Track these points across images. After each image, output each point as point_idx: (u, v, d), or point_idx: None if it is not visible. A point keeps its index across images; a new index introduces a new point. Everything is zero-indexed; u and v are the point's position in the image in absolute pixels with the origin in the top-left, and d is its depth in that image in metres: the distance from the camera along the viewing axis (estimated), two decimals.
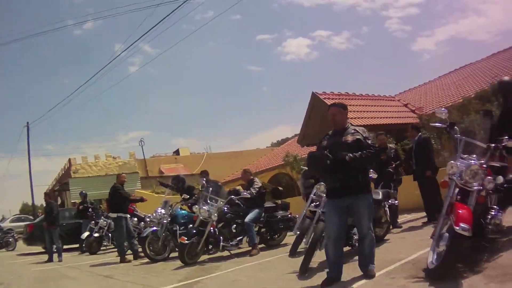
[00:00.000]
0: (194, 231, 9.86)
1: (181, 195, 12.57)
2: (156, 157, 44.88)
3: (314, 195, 8.48)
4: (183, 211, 12.13)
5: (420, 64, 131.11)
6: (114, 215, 12.45)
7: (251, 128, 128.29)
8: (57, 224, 14.72)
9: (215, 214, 9.95)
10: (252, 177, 11.50)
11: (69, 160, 36.10)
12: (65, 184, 32.95)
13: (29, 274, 12.08)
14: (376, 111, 20.28)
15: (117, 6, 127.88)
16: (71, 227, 18.33)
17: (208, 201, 10.15)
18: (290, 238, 10.75)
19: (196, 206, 10.39)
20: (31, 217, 37.21)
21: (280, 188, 13.00)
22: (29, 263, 14.78)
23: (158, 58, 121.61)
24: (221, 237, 10.07)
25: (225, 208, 10.49)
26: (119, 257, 12.43)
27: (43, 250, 17.56)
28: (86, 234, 16.32)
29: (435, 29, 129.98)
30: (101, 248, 16.29)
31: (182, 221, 11.66)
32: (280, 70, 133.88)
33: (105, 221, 16.02)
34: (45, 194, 16.17)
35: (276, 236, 11.56)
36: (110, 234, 15.91)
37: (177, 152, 48.42)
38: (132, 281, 8.88)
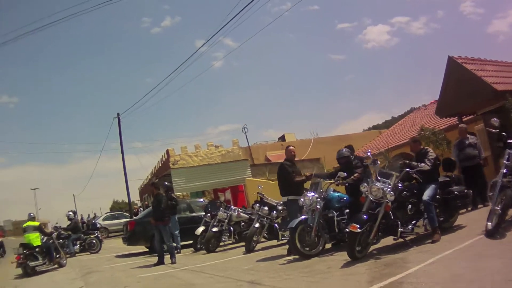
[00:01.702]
0: (365, 216, 8.14)
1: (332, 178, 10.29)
2: (262, 144, 42.52)
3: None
4: (337, 193, 10.34)
5: (496, 45, 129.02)
6: (285, 198, 10.70)
7: (338, 117, 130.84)
8: (167, 220, 12.90)
9: (391, 193, 8.14)
10: (423, 147, 10.06)
11: (167, 151, 34.56)
12: (165, 176, 31.07)
13: (137, 282, 9.84)
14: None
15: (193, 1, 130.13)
16: (181, 222, 15.95)
17: (379, 178, 8.54)
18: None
19: (365, 184, 8.51)
20: (126, 214, 35.87)
21: (453, 158, 11.69)
22: (132, 268, 12.70)
23: (241, 52, 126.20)
24: (398, 222, 8.42)
25: (400, 184, 8.75)
26: (245, 253, 11.81)
27: (146, 250, 16.75)
28: (201, 229, 14.52)
29: (508, 10, 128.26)
30: (220, 245, 14.45)
31: (337, 205, 10.01)
32: (363, 58, 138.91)
33: (225, 213, 14.37)
34: (153, 184, 13.76)
35: (450, 217, 9.86)
36: (231, 228, 14.45)
37: (282, 138, 46.21)
38: None
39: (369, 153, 10.03)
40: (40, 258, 13.94)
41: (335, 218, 9.63)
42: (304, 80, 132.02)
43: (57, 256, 14.68)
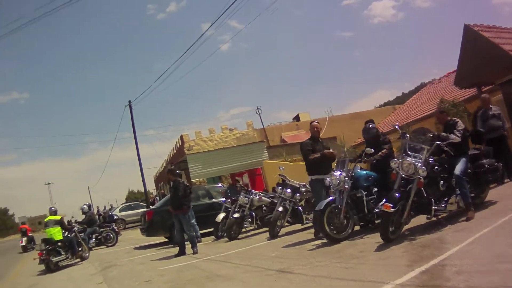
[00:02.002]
0: (398, 194, 7.67)
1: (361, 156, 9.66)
2: (276, 125, 41.84)
3: None
4: (364, 171, 9.71)
5: (501, 17, 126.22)
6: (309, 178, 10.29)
7: (349, 96, 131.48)
8: (186, 208, 12.29)
9: (423, 168, 7.75)
10: (451, 118, 9.73)
11: (181, 136, 33.96)
12: (181, 162, 30.72)
13: (160, 276, 9.29)
14: None
15: None
16: (200, 209, 15.31)
17: (409, 152, 8.09)
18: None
19: (395, 160, 8.12)
20: (142, 204, 35.53)
21: (481, 130, 10.99)
22: (153, 260, 12.19)
23: (249, 33, 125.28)
24: (431, 199, 7.96)
25: (431, 159, 8.31)
26: (270, 239, 11.49)
27: (165, 240, 16.17)
28: (221, 215, 14.11)
29: None
30: (241, 231, 13.93)
31: (365, 184, 9.40)
32: (370, 34, 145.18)
33: (246, 197, 13.81)
34: (169, 171, 13.13)
35: (481, 192, 9.36)
36: (253, 213, 13.86)
37: (297, 118, 45.67)
38: (337, 276, 6.18)
39: (397, 126, 9.38)
40: (62, 253, 13.90)
41: (364, 198, 9.10)
42: (313, 58, 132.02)
43: (80, 249, 14.59)
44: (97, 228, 19.79)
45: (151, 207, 20.03)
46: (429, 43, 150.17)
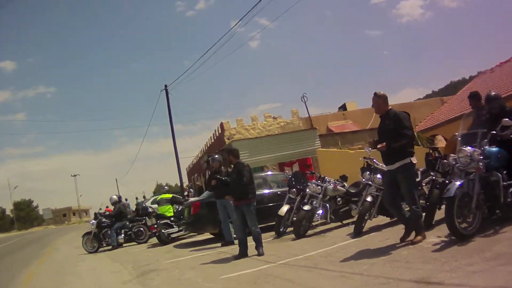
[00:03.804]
0: None
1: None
2: (322, 115, 39.88)
3: None
4: (495, 148, 7.57)
5: None
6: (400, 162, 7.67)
7: (368, 95, 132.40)
8: (252, 198, 9.89)
9: None
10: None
11: (221, 124, 32.72)
12: (223, 150, 28.57)
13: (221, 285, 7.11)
14: None
15: None
16: (257, 200, 12.35)
17: None
18: None
19: None
20: (177, 196, 33.56)
21: None
22: (204, 263, 9.73)
23: (278, 31, 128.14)
24: None
25: None
26: (354, 237, 9.54)
27: (209, 237, 14.58)
28: (285, 208, 11.94)
29: None
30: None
31: (496, 164, 7.43)
32: (398, 33, 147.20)
33: (318, 186, 11.63)
34: (229, 152, 10.82)
35: None
36: (327, 205, 11.50)
37: (343, 107, 43.38)
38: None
39: None
40: (175, 226, 15.60)
41: (501, 183, 7.18)
42: (342, 56, 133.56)
43: None
44: (127, 222, 17.44)
45: (194, 198, 17.72)
46: (457, 42, 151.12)
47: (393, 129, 7.35)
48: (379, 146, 7.46)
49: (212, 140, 36.24)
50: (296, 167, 26.01)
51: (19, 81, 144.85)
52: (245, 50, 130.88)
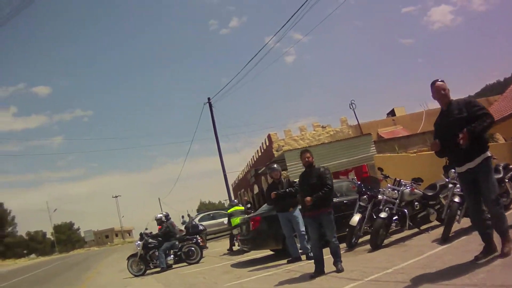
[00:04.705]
0: None
1: None
2: (371, 122, 39.42)
3: None
4: None
5: None
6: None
7: (411, 103, 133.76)
8: (331, 206, 8.81)
9: None
10: None
11: (269, 136, 32.55)
12: (274, 162, 27.83)
13: None
14: None
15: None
16: None
17: None
18: None
19: None
20: (223, 212, 32.84)
21: None
22: (277, 285, 8.47)
23: (312, 45, 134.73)
24: None
25: None
26: (441, 243, 8.59)
27: (269, 253, 13.60)
28: (357, 217, 10.96)
29: None
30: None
31: None
32: (431, 40, 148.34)
33: (394, 190, 10.66)
34: (304, 152, 9.25)
35: None
36: (405, 211, 10.49)
37: (392, 113, 42.97)
38: None
39: None
40: None
41: None
42: (377, 65, 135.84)
43: None
44: (176, 242, 16.26)
45: (252, 212, 17.04)
46: (489, 45, 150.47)
47: (466, 118, 5.98)
48: (461, 136, 5.81)
49: (260, 153, 35.82)
50: (352, 176, 25.00)
51: (55, 105, 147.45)
52: (281, 64, 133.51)
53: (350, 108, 34.90)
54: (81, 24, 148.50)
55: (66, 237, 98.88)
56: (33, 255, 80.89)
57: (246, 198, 36.05)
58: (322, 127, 34.02)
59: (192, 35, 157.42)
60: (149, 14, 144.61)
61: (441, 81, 6.38)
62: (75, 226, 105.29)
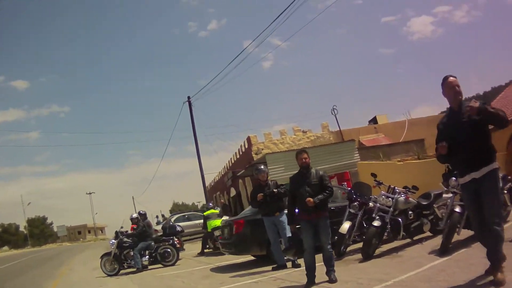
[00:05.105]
0: None
1: None
2: (353, 128, 38.57)
3: None
4: None
5: None
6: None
7: (392, 112, 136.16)
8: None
9: None
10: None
11: (249, 138, 31.87)
12: (252, 165, 27.32)
13: None
14: None
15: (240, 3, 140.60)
16: None
17: None
18: None
19: None
20: (198, 213, 32.15)
21: None
22: None
23: (291, 51, 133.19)
24: None
25: None
26: (440, 255, 8.36)
27: (250, 258, 13.10)
28: (347, 225, 10.36)
29: None
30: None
31: None
32: (411, 50, 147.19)
33: (388, 197, 10.36)
34: (299, 152, 8.77)
35: None
36: (400, 220, 10.16)
37: (374, 121, 42.11)
38: None
39: None
40: None
41: None
42: (356, 75, 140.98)
43: None
44: (152, 243, 15.71)
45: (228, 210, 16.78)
46: (470, 58, 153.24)
47: (481, 120, 5.40)
48: (472, 103, 5.31)
49: (238, 156, 35.27)
50: (334, 182, 24.61)
51: (32, 100, 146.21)
52: (257, 71, 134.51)
53: (332, 114, 34.60)
54: (61, 21, 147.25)
55: (39, 231, 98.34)
56: (5, 247, 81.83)
57: (222, 201, 35.64)
58: (303, 131, 33.69)
59: (171, 36, 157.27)
60: (129, 13, 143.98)
61: (453, 76, 5.83)
62: (49, 221, 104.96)
